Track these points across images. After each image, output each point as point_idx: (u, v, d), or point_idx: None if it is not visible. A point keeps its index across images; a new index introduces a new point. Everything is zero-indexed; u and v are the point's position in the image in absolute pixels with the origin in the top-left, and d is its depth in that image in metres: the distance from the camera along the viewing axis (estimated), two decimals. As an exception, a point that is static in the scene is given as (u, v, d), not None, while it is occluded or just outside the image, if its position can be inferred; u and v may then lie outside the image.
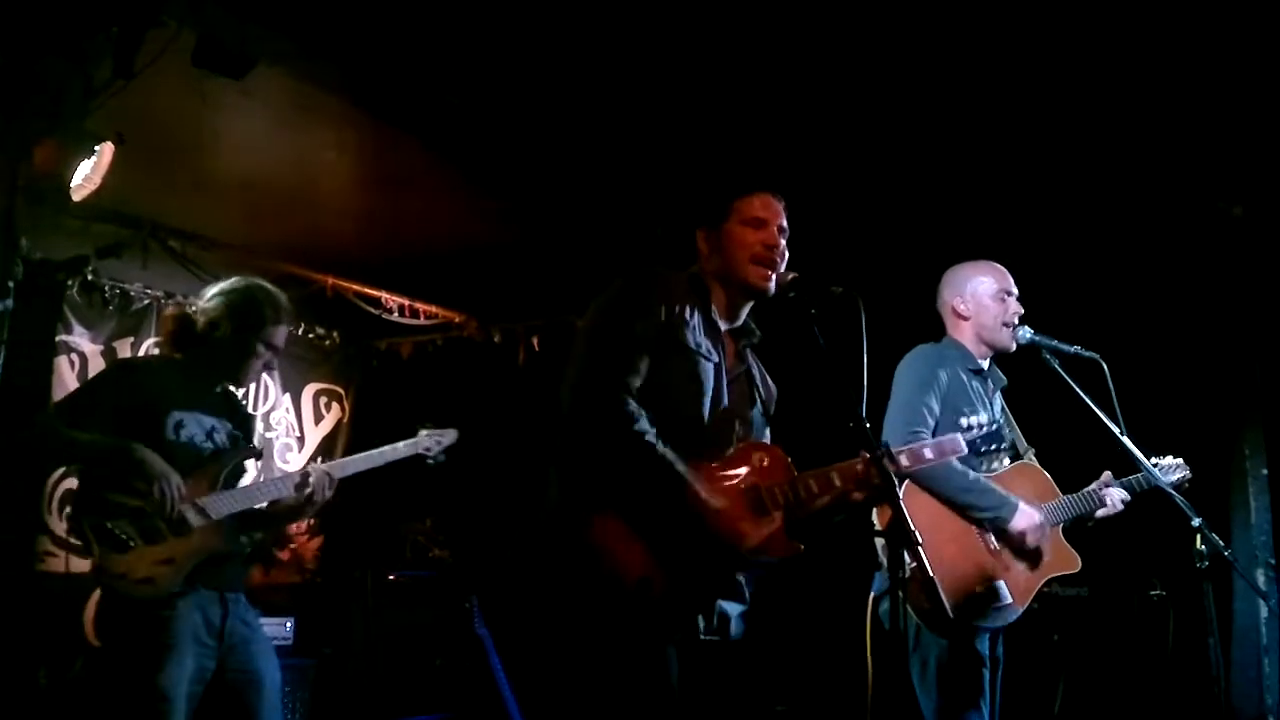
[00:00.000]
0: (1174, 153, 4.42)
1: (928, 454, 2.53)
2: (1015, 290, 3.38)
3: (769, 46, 3.88)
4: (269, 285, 3.19)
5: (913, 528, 2.13)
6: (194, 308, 3.15)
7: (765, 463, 2.41)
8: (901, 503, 2.20)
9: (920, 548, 2.11)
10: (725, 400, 2.46)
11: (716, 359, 2.47)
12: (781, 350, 2.73)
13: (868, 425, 2.28)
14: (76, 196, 3.38)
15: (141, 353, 5.36)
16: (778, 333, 2.67)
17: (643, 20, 3.79)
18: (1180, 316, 4.88)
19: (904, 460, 2.48)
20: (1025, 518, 3.12)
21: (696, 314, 2.47)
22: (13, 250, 3.04)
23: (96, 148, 3.37)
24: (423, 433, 3.45)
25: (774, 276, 2.49)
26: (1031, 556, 3.19)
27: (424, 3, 3.68)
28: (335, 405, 6.44)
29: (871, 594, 3.11)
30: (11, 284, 2.97)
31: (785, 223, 2.54)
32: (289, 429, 6.18)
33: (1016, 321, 3.33)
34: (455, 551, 5.76)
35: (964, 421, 2.60)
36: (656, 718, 2.26)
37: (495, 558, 5.46)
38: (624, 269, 2.47)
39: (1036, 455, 3.42)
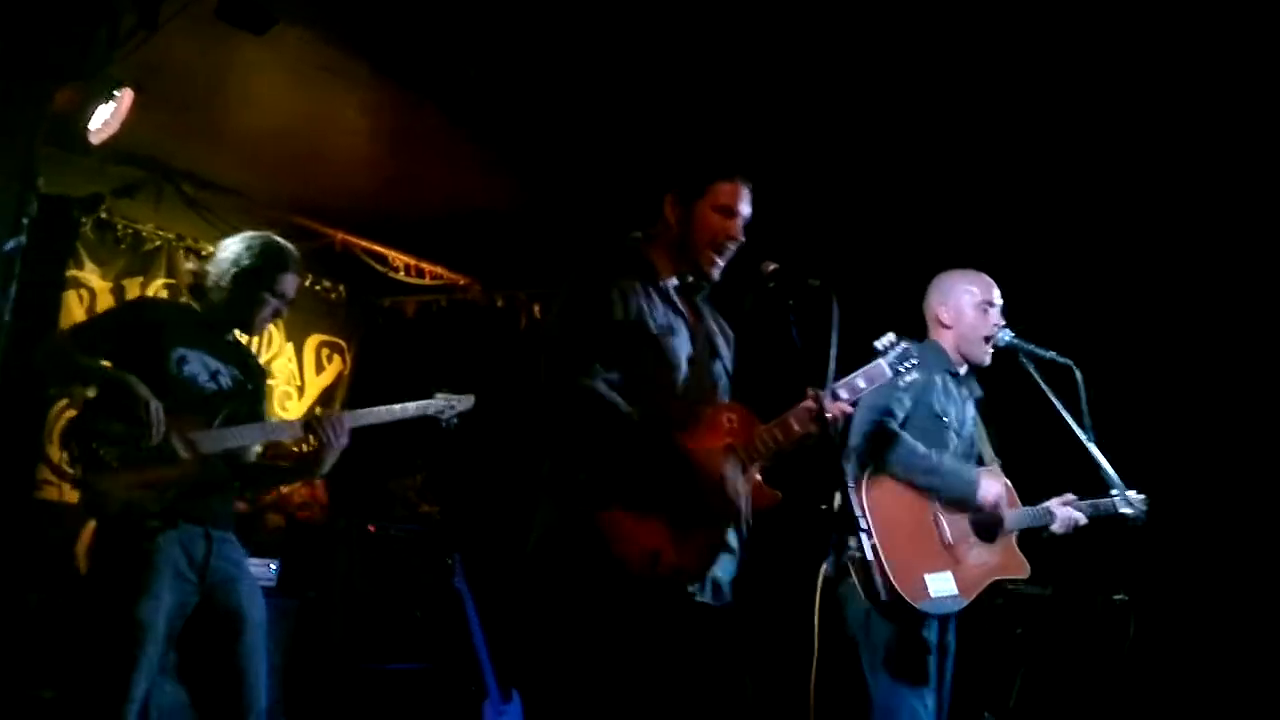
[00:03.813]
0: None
1: (860, 382, 2.65)
2: (999, 303, 3.45)
3: (769, 34, 3.94)
4: (280, 238, 3.29)
5: (864, 512, 2.24)
6: (208, 260, 3.27)
7: (734, 422, 2.54)
8: (850, 485, 2.31)
9: (870, 532, 2.22)
10: (696, 367, 2.58)
11: (681, 329, 2.59)
12: (752, 326, 2.83)
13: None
14: (95, 140, 3.47)
15: (150, 293, 5.46)
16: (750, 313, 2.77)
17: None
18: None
19: (843, 393, 2.59)
20: (989, 488, 3.25)
21: (651, 292, 2.58)
22: (31, 189, 3.13)
23: (116, 94, 3.45)
24: (439, 396, 3.45)
25: (723, 264, 2.61)
26: (984, 553, 3.30)
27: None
28: (337, 357, 6.54)
29: (821, 575, 3.22)
30: (26, 220, 3.07)
31: (749, 213, 2.63)
32: (290, 378, 6.29)
33: (995, 334, 3.40)
34: (444, 509, 5.87)
35: (878, 344, 2.70)
36: (649, 682, 2.38)
37: (482, 517, 5.58)
38: (578, 267, 2.55)
39: (1002, 468, 3.52)
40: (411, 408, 3.39)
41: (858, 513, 2.30)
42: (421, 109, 4.64)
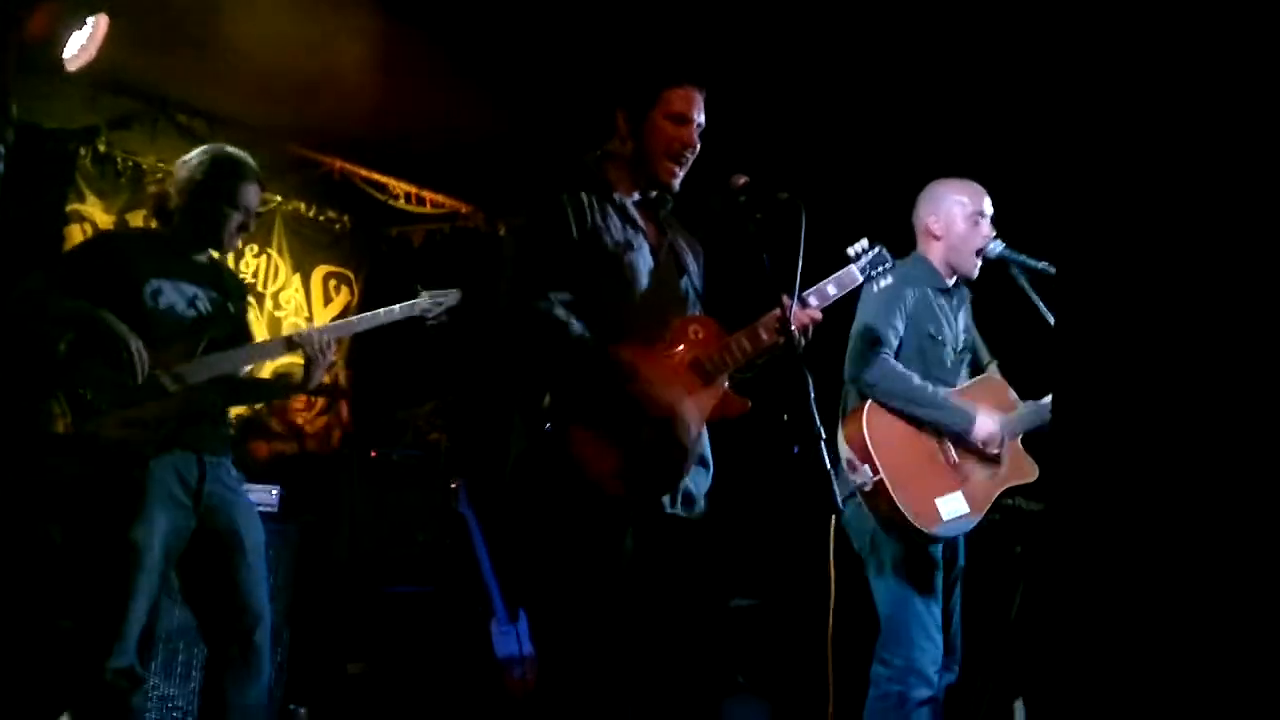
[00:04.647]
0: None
1: (830, 289, 2.66)
2: (989, 211, 3.39)
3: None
4: (232, 149, 3.24)
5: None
6: (170, 181, 3.24)
7: (700, 334, 2.55)
8: (810, 390, 2.30)
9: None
10: (658, 281, 2.58)
11: (642, 244, 2.57)
12: (720, 240, 2.80)
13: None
14: (71, 67, 3.44)
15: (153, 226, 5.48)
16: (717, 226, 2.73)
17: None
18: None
19: (813, 300, 2.60)
20: (984, 427, 3.23)
21: (608, 208, 2.55)
22: (5, 118, 3.11)
23: (90, 19, 3.40)
24: (424, 294, 3.44)
25: (681, 173, 2.58)
26: (990, 465, 3.29)
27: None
28: (345, 288, 6.54)
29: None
30: (2, 149, 3.05)
31: (703, 119, 2.58)
32: (298, 308, 6.31)
33: (986, 246, 3.35)
34: (452, 436, 5.91)
35: (850, 250, 2.68)
36: (605, 596, 2.40)
37: (490, 442, 5.62)
38: (531, 187, 2.52)
39: (999, 367, 3.48)
40: (397, 310, 3.36)
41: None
42: (409, 34, 4.56)
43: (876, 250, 2.64)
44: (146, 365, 2.93)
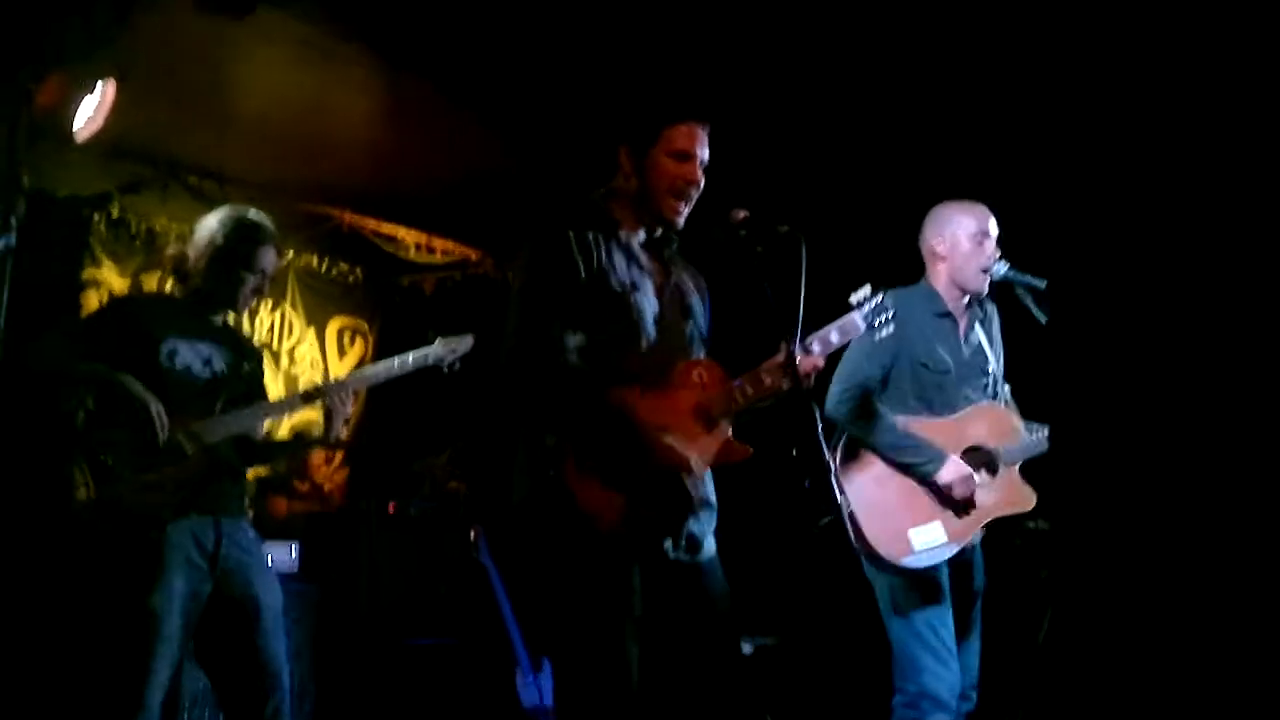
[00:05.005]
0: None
1: (833, 336, 2.62)
2: (995, 232, 3.40)
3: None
4: (252, 212, 3.28)
5: (840, 475, 2.22)
6: (188, 244, 3.27)
7: (704, 378, 2.53)
8: (818, 423, 2.30)
9: (845, 497, 2.21)
10: (663, 324, 2.56)
11: (646, 285, 2.56)
12: (723, 277, 2.80)
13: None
14: (81, 136, 3.49)
15: (169, 288, 5.53)
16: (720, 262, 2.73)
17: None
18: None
19: (815, 347, 2.57)
20: (950, 471, 3.21)
21: (614, 247, 2.54)
22: (16, 188, 3.15)
23: (98, 86, 3.46)
24: (438, 341, 3.42)
25: (685, 210, 2.57)
26: (988, 472, 3.30)
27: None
28: (359, 340, 6.56)
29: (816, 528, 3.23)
30: (15, 220, 3.09)
31: (706, 155, 2.58)
32: (313, 363, 6.33)
33: (992, 265, 3.35)
34: (470, 485, 5.91)
35: (853, 298, 2.67)
36: (618, 638, 2.37)
37: (508, 489, 5.60)
38: (537, 225, 2.52)
39: (1011, 390, 3.47)
40: (411, 359, 3.35)
41: (834, 478, 2.29)
42: (407, 81, 4.62)
43: (880, 298, 2.64)
44: (167, 428, 2.95)
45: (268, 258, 3.24)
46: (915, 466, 3.22)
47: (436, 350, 3.38)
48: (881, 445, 3.23)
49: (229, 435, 3.12)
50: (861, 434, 3.24)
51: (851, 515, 2.41)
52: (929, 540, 3.16)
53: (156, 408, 2.95)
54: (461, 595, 5.03)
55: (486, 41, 4.37)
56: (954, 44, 4.26)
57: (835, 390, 3.27)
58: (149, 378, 3.00)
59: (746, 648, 4.36)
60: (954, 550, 3.22)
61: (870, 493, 3.20)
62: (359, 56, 4.51)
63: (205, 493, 3.05)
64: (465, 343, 3.44)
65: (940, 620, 3.18)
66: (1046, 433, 3.37)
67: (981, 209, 3.43)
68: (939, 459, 3.21)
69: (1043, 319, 3.29)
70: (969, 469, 3.24)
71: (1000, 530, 3.38)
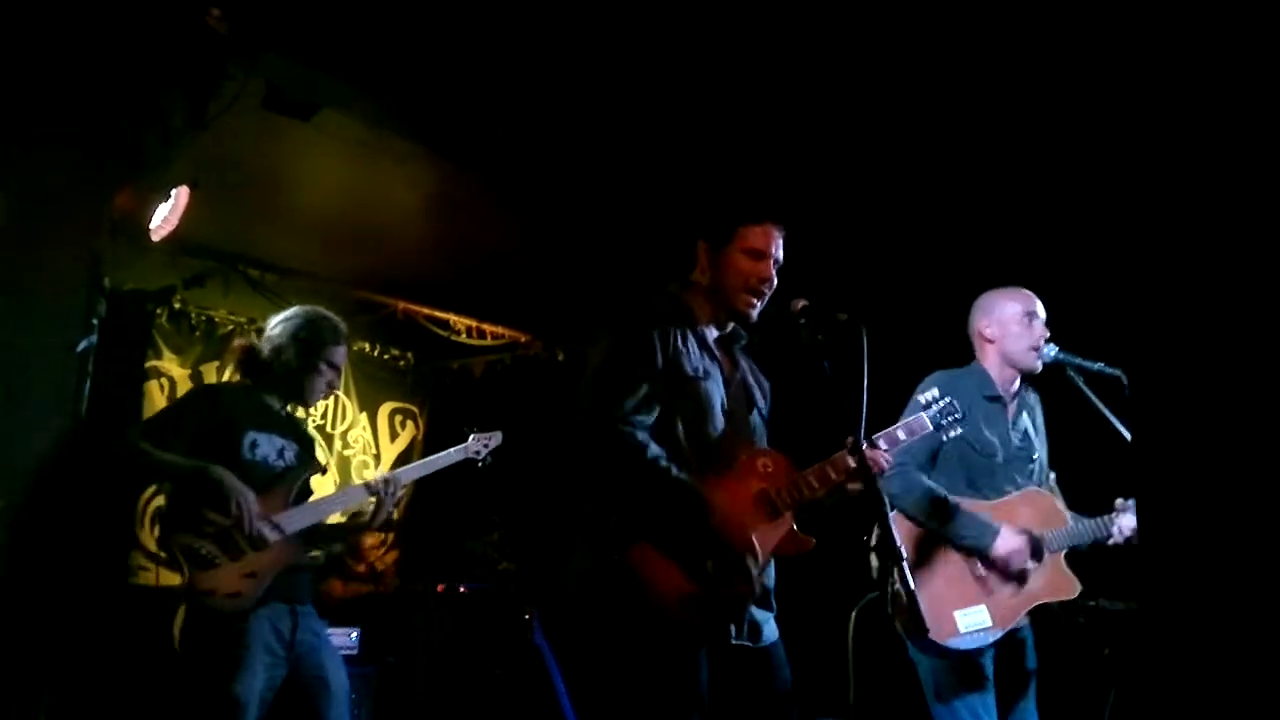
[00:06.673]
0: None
1: (900, 435, 2.67)
2: (1042, 314, 3.43)
3: (792, 73, 3.99)
4: (326, 311, 3.43)
5: (899, 543, 2.25)
6: (260, 337, 3.40)
7: (769, 468, 2.58)
8: (889, 513, 2.31)
9: (905, 564, 2.23)
10: (730, 413, 2.62)
11: (716, 375, 2.63)
12: (787, 368, 2.85)
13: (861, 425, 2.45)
14: (156, 237, 3.65)
15: (226, 377, 5.66)
16: (784, 354, 2.79)
17: (679, 48, 3.94)
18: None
19: (881, 443, 2.61)
20: (1006, 543, 3.20)
21: (689, 337, 2.62)
22: (98, 290, 3.30)
23: (173, 192, 3.62)
24: (471, 436, 3.67)
25: (759, 306, 2.65)
26: (1018, 580, 3.25)
27: (468, 46, 3.88)
28: (410, 423, 6.68)
29: (854, 612, 3.22)
30: (96, 321, 3.23)
31: (781, 254, 2.67)
32: (365, 446, 6.44)
33: (1042, 345, 3.38)
34: (520, 565, 5.93)
35: (921, 398, 2.69)
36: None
37: (557, 571, 5.62)
38: (611, 319, 2.61)
39: (1058, 478, 3.47)
40: (453, 453, 3.61)
41: (905, 566, 2.31)
42: (461, 175, 4.78)
43: (947, 400, 2.67)
44: (256, 518, 3.05)
45: (341, 355, 3.39)
46: (968, 539, 3.21)
47: (471, 445, 3.66)
48: (934, 516, 3.21)
49: (307, 525, 3.22)
50: (910, 504, 3.22)
51: (911, 595, 2.42)
52: (974, 623, 3.15)
53: (251, 498, 3.05)
54: (517, 678, 5.03)
55: (537, 139, 4.51)
56: (999, 146, 4.35)
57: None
58: (231, 466, 3.11)
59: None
60: (999, 635, 3.19)
61: (924, 571, 3.19)
62: (413, 152, 4.67)
63: (281, 581, 3.13)
64: (495, 438, 3.70)
65: (983, 705, 3.15)
66: (1101, 520, 3.35)
67: (1026, 292, 3.47)
68: (994, 530, 3.21)
69: (1099, 404, 3.29)
70: (1024, 541, 3.23)
71: (1065, 609, 3.36)
